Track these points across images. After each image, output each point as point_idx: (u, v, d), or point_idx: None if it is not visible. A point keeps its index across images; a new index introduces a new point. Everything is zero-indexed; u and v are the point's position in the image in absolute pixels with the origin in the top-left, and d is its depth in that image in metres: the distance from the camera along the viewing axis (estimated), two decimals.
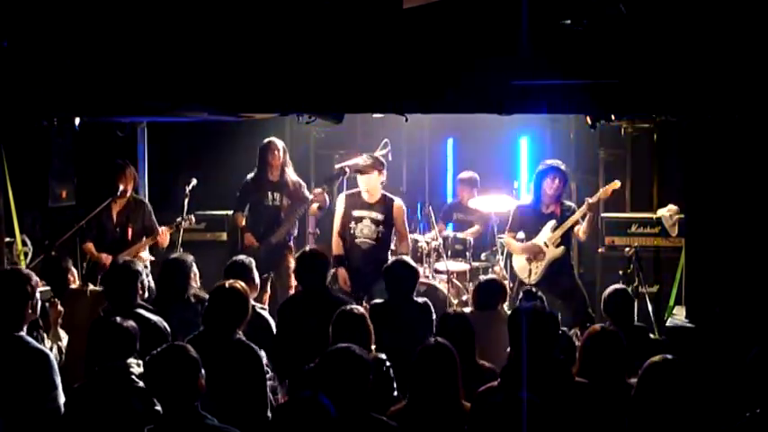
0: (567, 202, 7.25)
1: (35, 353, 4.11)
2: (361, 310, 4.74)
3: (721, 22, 5.38)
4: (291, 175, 7.66)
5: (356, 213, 7.14)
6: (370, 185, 7.12)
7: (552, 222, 7.06)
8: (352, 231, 7.11)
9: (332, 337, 4.53)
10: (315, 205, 7.49)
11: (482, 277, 6.19)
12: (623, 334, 4.36)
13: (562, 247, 7.03)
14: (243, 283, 4.72)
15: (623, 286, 5.79)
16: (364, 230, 7.09)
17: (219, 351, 4.29)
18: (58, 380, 4.11)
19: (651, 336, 5.76)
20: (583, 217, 6.97)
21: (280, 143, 7.71)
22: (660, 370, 3.57)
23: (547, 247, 7.04)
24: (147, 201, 7.49)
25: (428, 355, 3.93)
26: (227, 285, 4.63)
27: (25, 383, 4.03)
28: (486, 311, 5.63)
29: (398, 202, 7.25)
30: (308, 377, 4.48)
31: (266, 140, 7.69)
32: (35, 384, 4.04)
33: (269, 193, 7.61)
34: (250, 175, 7.73)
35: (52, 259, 6.16)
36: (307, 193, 7.62)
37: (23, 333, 4.18)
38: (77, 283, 6.02)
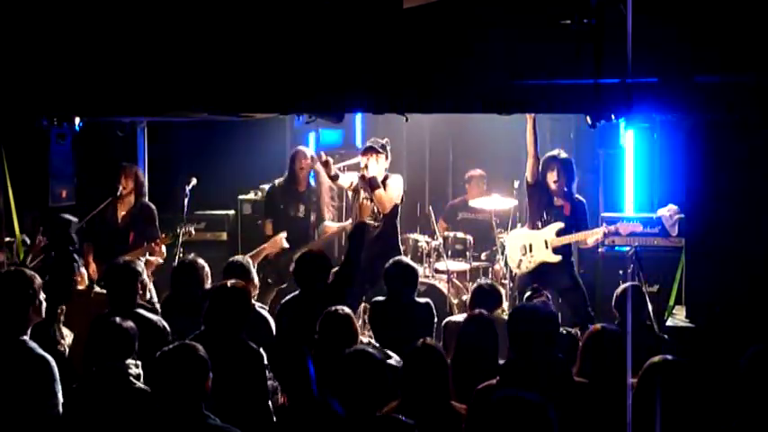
0: (579, 198, 7.18)
1: (38, 359, 4.07)
2: (347, 310, 4.71)
3: (721, 21, 5.38)
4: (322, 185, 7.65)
5: (362, 194, 7.22)
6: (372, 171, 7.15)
7: (559, 226, 7.00)
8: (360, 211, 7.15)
9: (318, 338, 4.54)
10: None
11: (479, 281, 6.17)
12: (632, 332, 4.34)
13: (559, 257, 6.99)
14: (244, 283, 4.72)
15: (636, 284, 5.78)
16: (366, 210, 7.12)
17: (221, 351, 4.27)
18: (59, 387, 4.06)
19: (660, 335, 5.75)
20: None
21: (308, 152, 7.72)
22: (660, 371, 3.57)
23: (546, 247, 7.02)
24: (153, 207, 7.48)
25: (417, 357, 3.94)
26: (228, 285, 4.62)
27: (26, 389, 3.99)
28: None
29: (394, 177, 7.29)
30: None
31: (295, 149, 7.77)
32: (36, 390, 4.00)
33: (296, 204, 7.62)
34: (278, 181, 7.75)
35: (62, 256, 6.17)
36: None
37: (27, 337, 4.15)
38: (85, 284, 6.02)
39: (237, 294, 4.57)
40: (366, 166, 7.11)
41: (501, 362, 4.57)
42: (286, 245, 7.18)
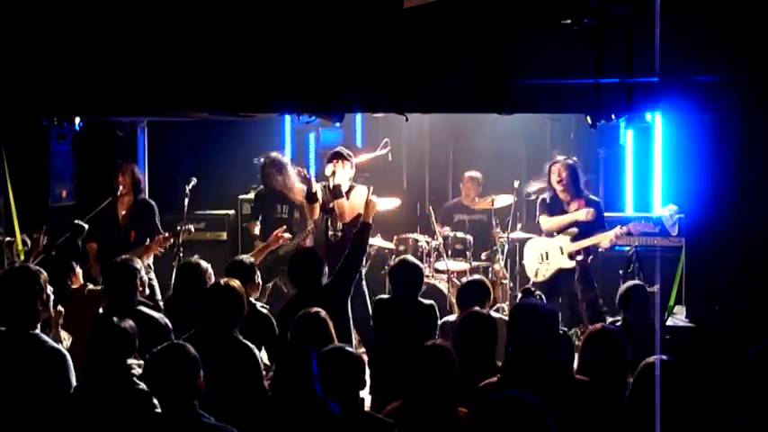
0: (593, 198, 7.18)
1: (52, 352, 4.10)
2: (324, 313, 4.67)
3: (721, 22, 5.39)
4: (296, 186, 7.59)
5: (329, 207, 6.96)
6: (339, 178, 6.91)
7: (573, 231, 7.02)
8: (328, 225, 6.96)
9: (290, 339, 4.52)
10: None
11: (464, 279, 6.15)
12: (635, 331, 4.32)
13: (573, 263, 7.00)
14: (238, 282, 4.71)
15: (640, 283, 5.75)
16: (333, 223, 6.93)
17: (216, 349, 4.28)
18: (74, 379, 4.10)
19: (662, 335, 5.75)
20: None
21: (278, 157, 7.71)
22: (654, 371, 3.57)
23: (561, 254, 7.03)
24: (153, 203, 7.48)
25: (426, 357, 3.91)
26: (222, 283, 4.63)
27: (42, 382, 4.01)
28: None
29: (359, 188, 7.00)
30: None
31: (265, 159, 7.71)
32: (52, 383, 4.02)
33: (277, 205, 7.64)
34: (261, 186, 7.79)
35: (55, 258, 6.15)
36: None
37: (38, 331, 4.17)
38: (79, 282, 6.01)
39: (231, 293, 4.56)
40: (333, 173, 6.82)
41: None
42: (288, 235, 7.15)
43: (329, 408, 3.60)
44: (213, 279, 5.55)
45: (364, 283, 6.79)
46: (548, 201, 7.34)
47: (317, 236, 7.15)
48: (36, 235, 6.15)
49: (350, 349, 3.81)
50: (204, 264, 5.58)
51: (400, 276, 5.66)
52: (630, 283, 5.62)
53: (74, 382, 4.09)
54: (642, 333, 5.14)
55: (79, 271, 6.09)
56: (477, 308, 4.86)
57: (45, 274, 4.30)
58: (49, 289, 4.27)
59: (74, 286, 5.90)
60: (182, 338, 4.31)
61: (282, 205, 7.66)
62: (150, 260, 7.23)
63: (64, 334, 5.19)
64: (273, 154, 7.80)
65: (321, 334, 4.49)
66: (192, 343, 3.72)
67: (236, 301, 4.55)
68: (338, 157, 6.92)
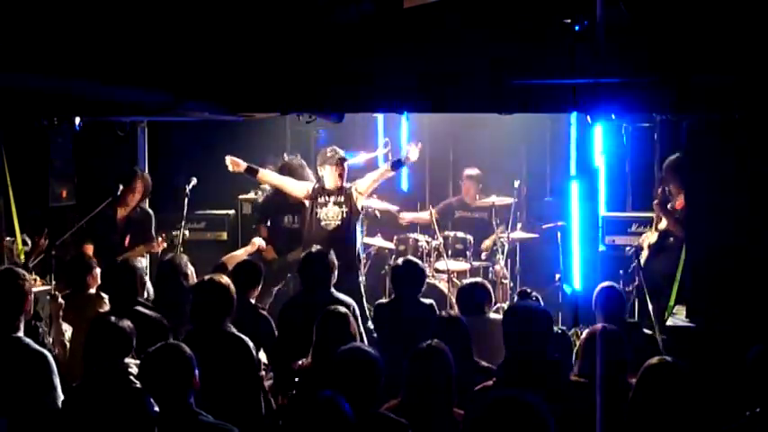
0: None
1: (34, 354, 4.12)
2: (345, 310, 4.71)
3: (722, 21, 5.38)
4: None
5: (320, 200, 7.16)
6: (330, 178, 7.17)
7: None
8: (317, 216, 7.13)
9: (315, 338, 4.54)
10: None
11: (464, 279, 6.14)
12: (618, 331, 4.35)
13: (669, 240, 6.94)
14: (225, 277, 4.78)
15: (611, 284, 5.77)
16: (329, 213, 7.10)
17: (211, 344, 4.35)
18: (57, 381, 4.11)
19: (646, 331, 5.76)
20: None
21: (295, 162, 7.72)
22: (657, 372, 3.57)
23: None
24: (152, 213, 7.53)
25: (422, 357, 3.92)
26: (206, 279, 4.71)
27: (25, 385, 4.03)
28: (472, 317, 5.43)
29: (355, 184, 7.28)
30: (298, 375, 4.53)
31: (281, 164, 7.75)
32: (35, 386, 4.04)
33: (287, 216, 7.65)
34: (272, 191, 7.76)
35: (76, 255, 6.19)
36: None
37: (21, 334, 4.17)
38: (96, 283, 6.00)
39: (217, 287, 4.62)
40: (342, 175, 7.13)
41: (486, 364, 4.59)
42: (263, 244, 7.23)
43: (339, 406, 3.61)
44: (193, 271, 5.60)
45: (362, 280, 6.85)
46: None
47: (318, 230, 7.15)
48: (37, 238, 6.17)
49: (368, 349, 3.80)
50: (183, 258, 5.64)
51: (403, 276, 5.67)
52: (601, 285, 5.62)
53: (58, 385, 4.10)
54: (624, 333, 5.14)
55: (98, 271, 6.08)
56: (444, 312, 4.89)
57: (29, 277, 4.34)
58: (32, 293, 4.29)
59: (90, 290, 5.89)
60: (180, 338, 4.36)
61: (293, 215, 7.64)
62: (146, 263, 7.27)
63: (65, 326, 5.21)
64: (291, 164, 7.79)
65: (344, 331, 4.52)
66: (188, 341, 3.74)
67: (225, 295, 4.62)
68: (344, 160, 7.13)
